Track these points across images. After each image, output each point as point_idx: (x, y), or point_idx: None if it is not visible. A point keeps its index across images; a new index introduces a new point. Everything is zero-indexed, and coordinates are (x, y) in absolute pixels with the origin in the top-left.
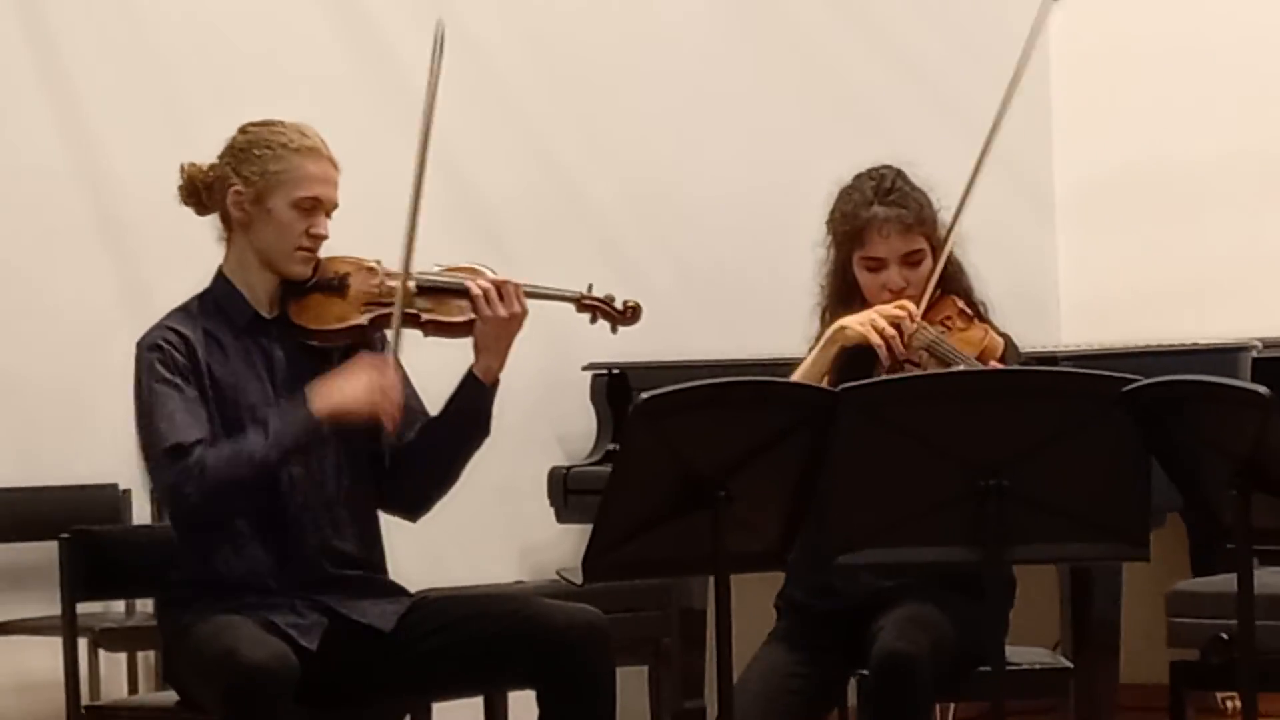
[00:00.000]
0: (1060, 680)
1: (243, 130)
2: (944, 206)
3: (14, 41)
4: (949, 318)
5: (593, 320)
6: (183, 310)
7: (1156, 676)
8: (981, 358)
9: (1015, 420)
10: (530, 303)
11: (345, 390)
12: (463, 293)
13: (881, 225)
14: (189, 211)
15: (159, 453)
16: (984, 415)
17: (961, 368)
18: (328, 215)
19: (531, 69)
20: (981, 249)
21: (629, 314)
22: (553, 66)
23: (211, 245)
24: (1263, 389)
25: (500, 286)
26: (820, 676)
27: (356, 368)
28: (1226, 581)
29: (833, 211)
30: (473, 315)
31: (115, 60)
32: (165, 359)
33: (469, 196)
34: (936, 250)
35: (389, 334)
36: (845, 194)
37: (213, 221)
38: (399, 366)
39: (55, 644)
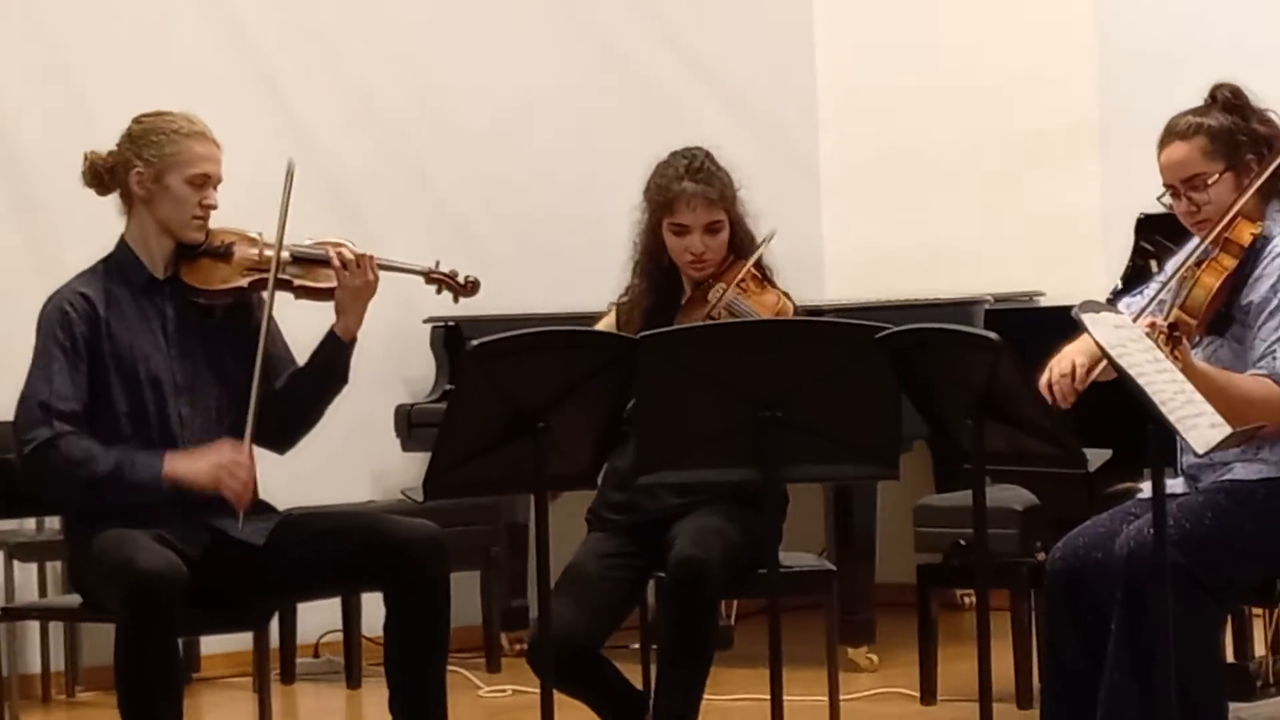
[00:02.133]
0: (825, 580)
1: (138, 120)
2: (743, 186)
3: None
4: (744, 282)
5: (438, 291)
6: (90, 272)
7: (906, 577)
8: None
9: (787, 362)
10: (384, 274)
11: (194, 466)
12: (327, 263)
13: (690, 198)
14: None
15: (31, 402)
16: (761, 358)
17: (741, 320)
18: (215, 188)
19: (384, 67)
20: (758, 218)
21: (469, 287)
22: (402, 64)
23: (114, 217)
24: (994, 335)
25: (358, 259)
26: (624, 579)
27: (213, 451)
28: (964, 497)
29: (649, 183)
30: (335, 283)
31: (21, 58)
32: (65, 324)
33: (332, 179)
34: (737, 224)
35: (264, 295)
36: (661, 169)
37: (112, 201)
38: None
39: None
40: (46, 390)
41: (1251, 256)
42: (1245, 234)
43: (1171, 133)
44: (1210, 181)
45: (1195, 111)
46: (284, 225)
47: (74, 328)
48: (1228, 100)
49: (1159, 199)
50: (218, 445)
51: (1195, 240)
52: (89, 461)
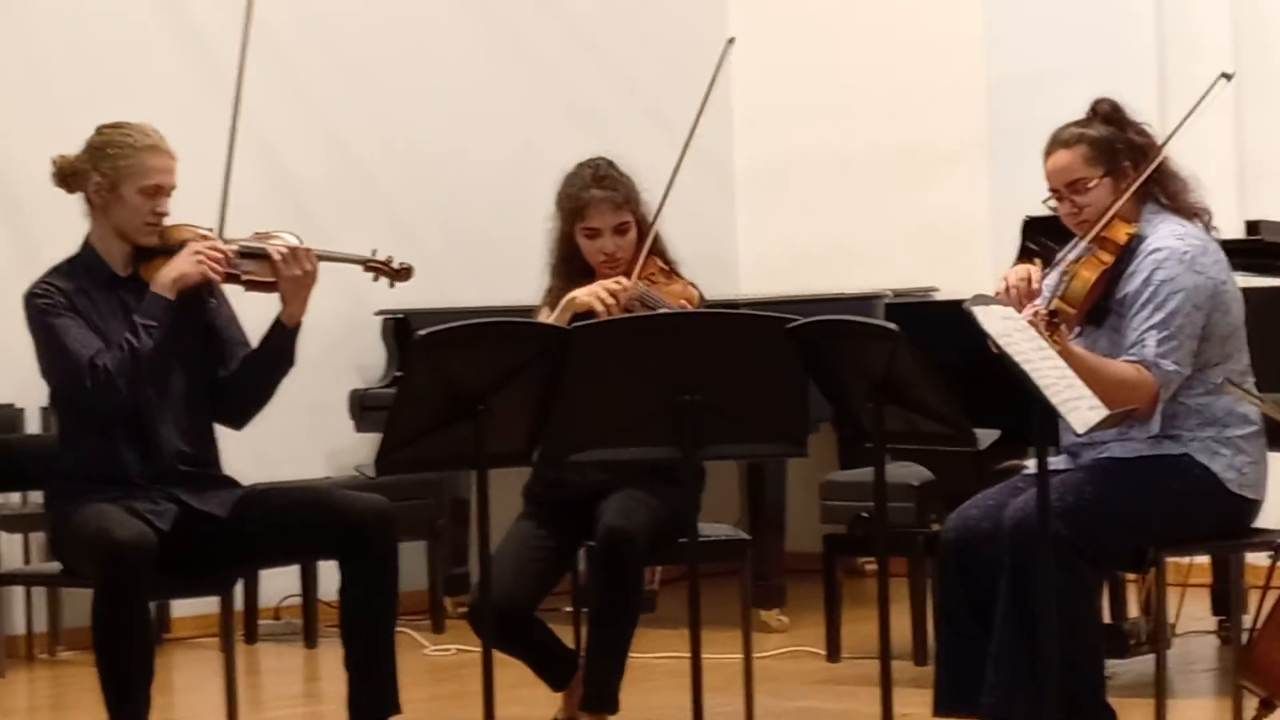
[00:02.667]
0: (740, 549)
1: (98, 132)
2: (646, 189)
3: None
4: (653, 274)
5: (375, 279)
6: (57, 270)
7: (813, 546)
8: (681, 304)
9: (705, 350)
10: (327, 264)
11: (173, 265)
12: (269, 257)
13: (598, 204)
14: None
15: (80, 367)
16: (681, 346)
17: (664, 311)
18: (168, 196)
19: (337, 85)
20: (677, 220)
21: (402, 273)
22: (353, 82)
23: (81, 216)
24: (893, 326)
25: (295, 251)
26: (557, 547)
27: (187, 251)
28: (865, 473)
29: (560, 193)
30: (276, 275)
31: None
32: (52, 302)
33: (279, 176)
34: (641, 223)
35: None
36: (569, 179)
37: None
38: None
39: None
40: (82, 350)
41: (1127, 254)
42: (1121, 234)
43: (1056, 142)
44: (1091, 186)
45: (1078, 123)
46: (224, 216)
47: (59, 301)
48: (1107, 113)
49: (1044, 202)
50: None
51: (1076, 240)
52: (122, 349)
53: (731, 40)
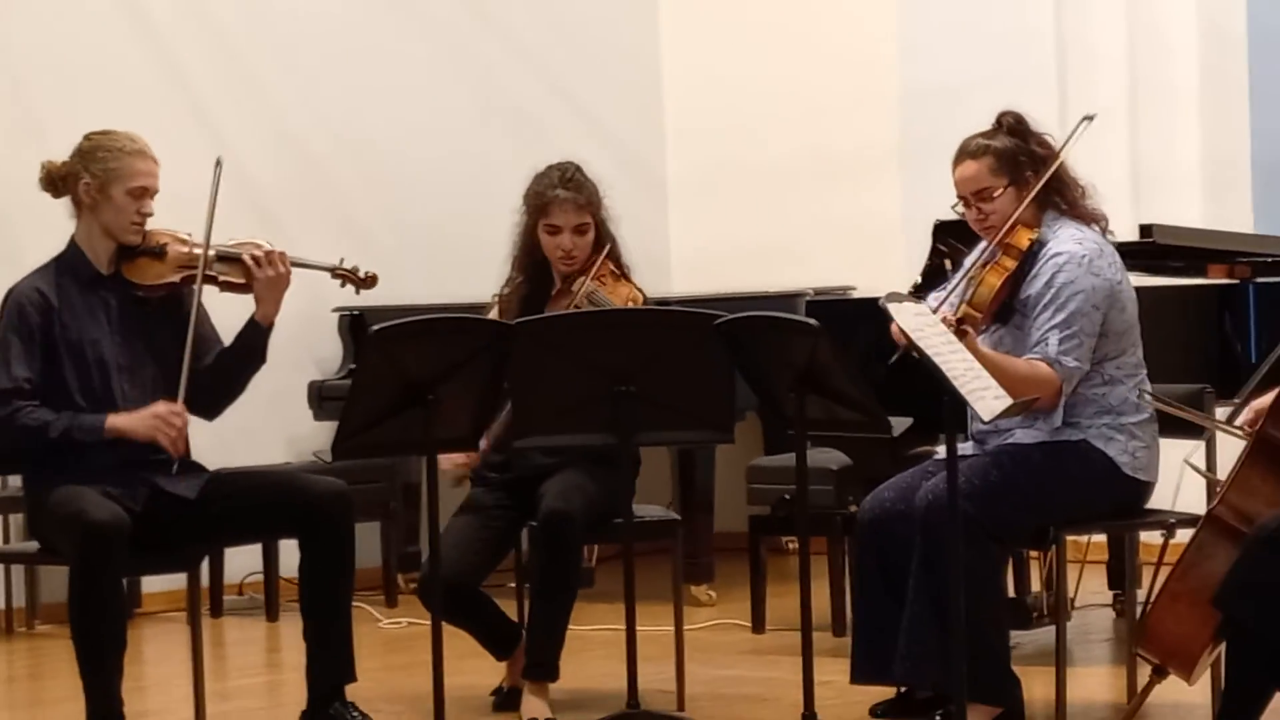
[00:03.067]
0: (671, 529)
1: (87, 138)
2: (606, 195)
3: None
4: (604, 276)
5: (342, 285)
6: (44, 268)
7: (740, 526)
8: (628, 306)
9: (639, 344)
10: (296, 269)
11: (133, 419)
12: (243, 261)
13: (562, 203)
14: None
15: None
16: (617, 341)
17: (601, 309)
18: (152, 198)
19: (297, 95)
20: (615, 223)
21: (368, 281)
22: (312, 93)
23: (65, 219)
24: (813, 322)
25: (269, 255)
26: (501, 527)
27: (149, 408)
28: (788, 458)
29: (528, 190)
30: (252, 277)
31: None
32: (21, 315)
33: (252, 191)
34: (600, 227)
35: (195, 288)
36: (538, 178)
37: (66, 202)
38: (201, 325)
39: None
40: (5, 377)
41: (1029, 258)
42: (1024, 239)
43: (964, 152)
44: (996, 194)
45: (984, 134)
46: (212, 217)
47: (29, 318)
48: (1011, 125)
49: (953, 208)
50: (154, 404)
51: (983, 243)
52: (44, 428)
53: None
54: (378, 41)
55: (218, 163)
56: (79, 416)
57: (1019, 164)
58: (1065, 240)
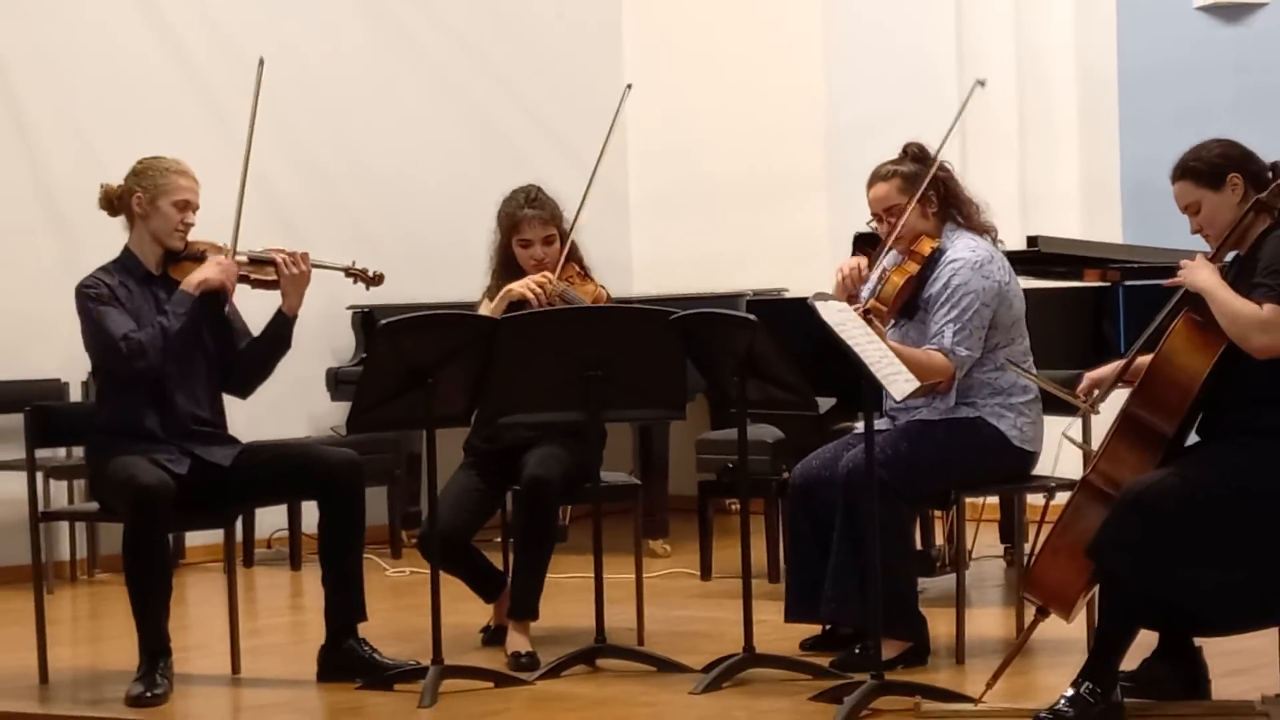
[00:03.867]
0: (633, 492)
1: (140, 161)
2: (567, 208)
3: None
4: (572, 276)
5: (354, 283)
6: (104, 268)
7: (690, 490)
8: (594, 302)
9: (606, 336)
10: (315, 271)
11: (200, 271)
12: (273, 262)
13: (530, 221)
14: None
15: (114, 343)
16: (588, 333)
17: (575, 306)
18: (193, 211)
19: (316, 123)
20: (583, 233)
21: (377, 279)
22: (329, 121)
23: (119, 234)
24: (753, 317)
25: (294, 256)
26: (489, 491)
27: (213, 260)
28: (731, 433)
29: (500, 211)
30: (279, 276)
31: (52, 117)
32: (98, 292)
33: (277, 206)
34: (563, 235)
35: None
36: (507, 201)
37: (119, 219)
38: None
39: (22, 476)
40: (118, 329)
41: (931, 263)
42: (927, 247)
43: (876, 176)
44: (903, 209)
45: (893, 161)
46: (255, 113)
47: (103, 293)
48: (915, 153)
49: (868, 223)
50: (207, 258)
51: (894, 251)
52: (161, 331)
53: (629, 87)
54: (385, 82)
55: (260, 62)
56: (167, 308)
57: (921, 184)
58: (961, 248)
